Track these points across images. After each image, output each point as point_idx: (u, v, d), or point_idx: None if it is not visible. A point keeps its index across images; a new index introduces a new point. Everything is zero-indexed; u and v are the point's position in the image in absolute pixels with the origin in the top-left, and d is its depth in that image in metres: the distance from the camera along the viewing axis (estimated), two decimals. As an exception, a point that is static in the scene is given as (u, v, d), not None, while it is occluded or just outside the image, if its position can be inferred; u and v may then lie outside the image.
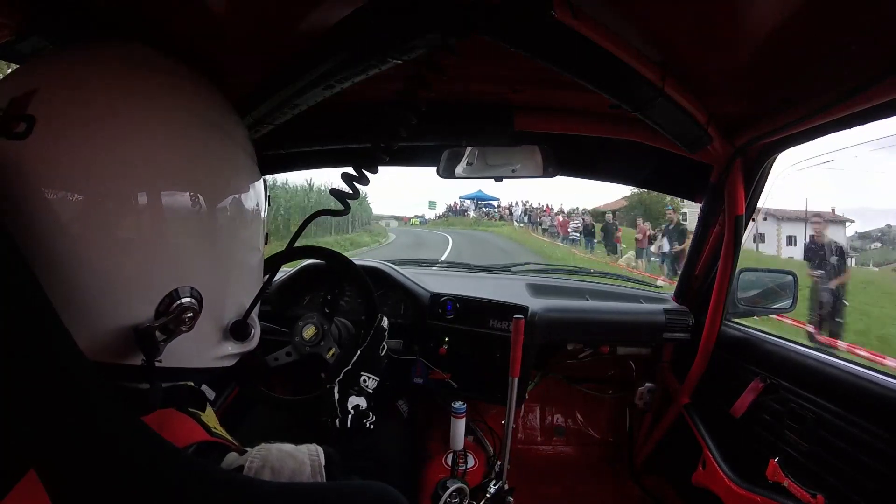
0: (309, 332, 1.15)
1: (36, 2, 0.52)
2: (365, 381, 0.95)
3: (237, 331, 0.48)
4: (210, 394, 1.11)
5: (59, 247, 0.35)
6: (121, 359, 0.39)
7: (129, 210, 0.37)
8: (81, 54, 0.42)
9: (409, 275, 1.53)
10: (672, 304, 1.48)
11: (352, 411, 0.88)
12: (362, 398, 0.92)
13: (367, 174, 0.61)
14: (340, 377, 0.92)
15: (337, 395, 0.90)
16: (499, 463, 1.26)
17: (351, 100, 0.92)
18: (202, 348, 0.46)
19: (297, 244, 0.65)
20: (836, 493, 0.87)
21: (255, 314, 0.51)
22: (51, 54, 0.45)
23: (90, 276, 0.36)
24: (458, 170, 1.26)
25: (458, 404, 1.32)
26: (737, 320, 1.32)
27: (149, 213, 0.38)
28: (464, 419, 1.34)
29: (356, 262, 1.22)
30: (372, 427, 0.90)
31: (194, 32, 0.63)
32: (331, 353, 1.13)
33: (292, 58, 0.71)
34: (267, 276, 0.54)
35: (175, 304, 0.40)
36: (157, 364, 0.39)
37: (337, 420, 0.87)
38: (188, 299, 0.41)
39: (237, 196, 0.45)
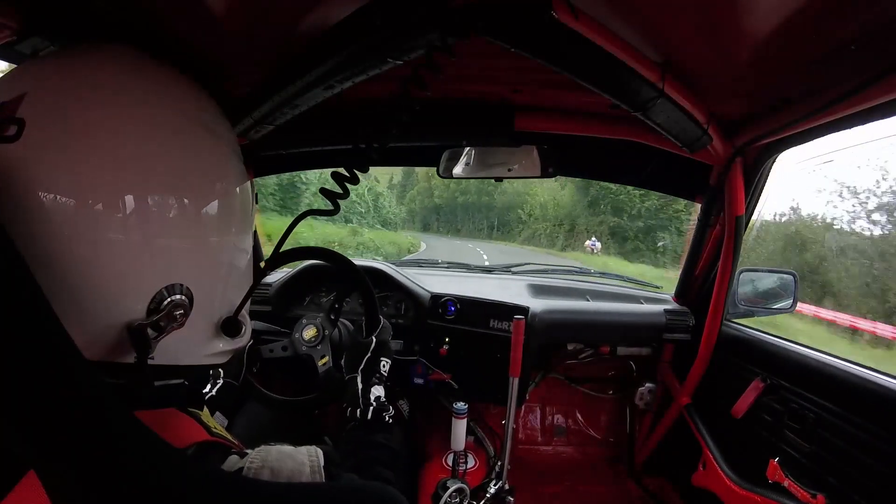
0: (310, 332, 1.15)
1: (36, 2, 0.52)
2: (384, 365, 0.95)
3: (228, 327, 0.48)
4: (222, 420, 1.12)
5: (52, 246, 0.36)
6: (114, 356, 0.40)
7: (118, 210, 0.37)
8: (69, 58, 0.42)
9: (410, 275, 1.53)
10: (672, 305, 1.48)
11: (374, 403, 0.88)
12: (381, 387, 0.92)
13: (358, 174, 0.62)
14: (363, 366, 0.92)
15: (360, 386, 0.88)
16: (499, 463, 1.26)
17: (351, 100, 0.92)
18: (194, 345, 0.46)
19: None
20: (836, 493, 0.87)
21: (245, 311, 0.51)
22: (40, 58, 0.45)
23: (82, 275, 0.37)
24: (458, 169, 1.27)
25: (460, 405, 1.32)
26: (737, 320, 1.32)
27: (138, 213, 0.38)
28: (465, 420, 1.34)
29: (357, 262, 1.22)
30: (390, 421, 0.90)
31: (195, 33, 0.63)
32: (323, 360, 1.12)
33: (292, 58, 0.71)
34: (259, 272, 0.55)
35: (166, 302, 0.40)
36: (150, 361, 0.40)
37: (358, 411, 0.86)
38: (179, 296, 0.41)
39: (225, 196, 0.46)
